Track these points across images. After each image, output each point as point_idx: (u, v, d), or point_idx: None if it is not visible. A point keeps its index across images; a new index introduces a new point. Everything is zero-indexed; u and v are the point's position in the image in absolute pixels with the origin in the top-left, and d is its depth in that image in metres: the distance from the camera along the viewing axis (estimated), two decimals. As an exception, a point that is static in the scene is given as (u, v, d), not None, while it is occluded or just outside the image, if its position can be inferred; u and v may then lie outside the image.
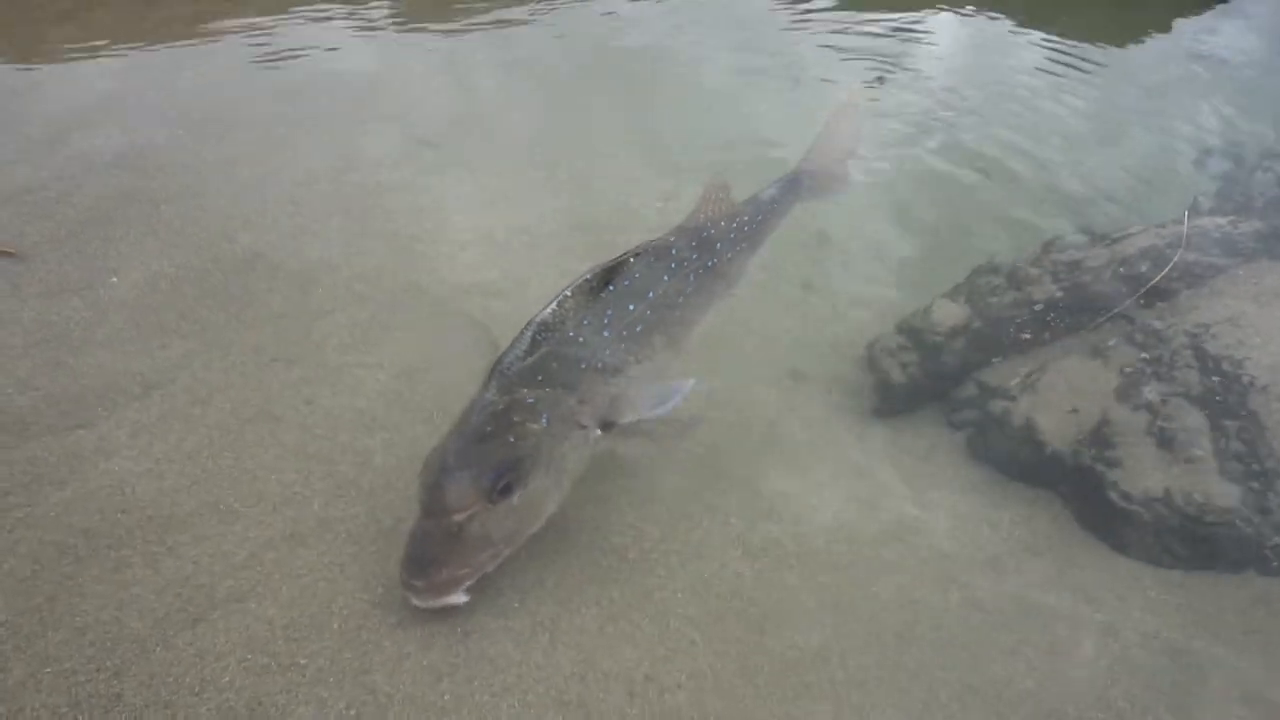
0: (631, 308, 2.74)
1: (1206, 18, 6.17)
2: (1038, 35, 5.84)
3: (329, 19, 5.84)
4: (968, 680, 2.44)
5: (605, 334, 2.66)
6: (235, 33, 5.54)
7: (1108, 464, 2.81)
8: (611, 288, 2.74)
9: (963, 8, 6.21)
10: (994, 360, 3.26)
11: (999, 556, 2.80)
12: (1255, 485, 2.62)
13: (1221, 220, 3.42)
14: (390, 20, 5.75)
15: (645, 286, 2.80)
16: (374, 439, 3.00)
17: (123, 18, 5.67)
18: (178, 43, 5.38)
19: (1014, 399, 3.12)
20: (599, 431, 2.56)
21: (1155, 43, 5.88)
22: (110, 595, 2.39)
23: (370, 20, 5.75)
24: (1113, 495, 2.75)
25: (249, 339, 3.33)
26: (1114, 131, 4.80)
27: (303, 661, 2.32)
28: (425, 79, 5.22)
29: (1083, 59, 5.56)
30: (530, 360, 2.51)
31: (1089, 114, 4.96)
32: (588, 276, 2.78)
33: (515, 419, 2.37)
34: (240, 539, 2.59)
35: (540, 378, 2.48)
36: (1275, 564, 2.63)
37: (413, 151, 4.47)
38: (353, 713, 2.21)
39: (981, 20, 6.09)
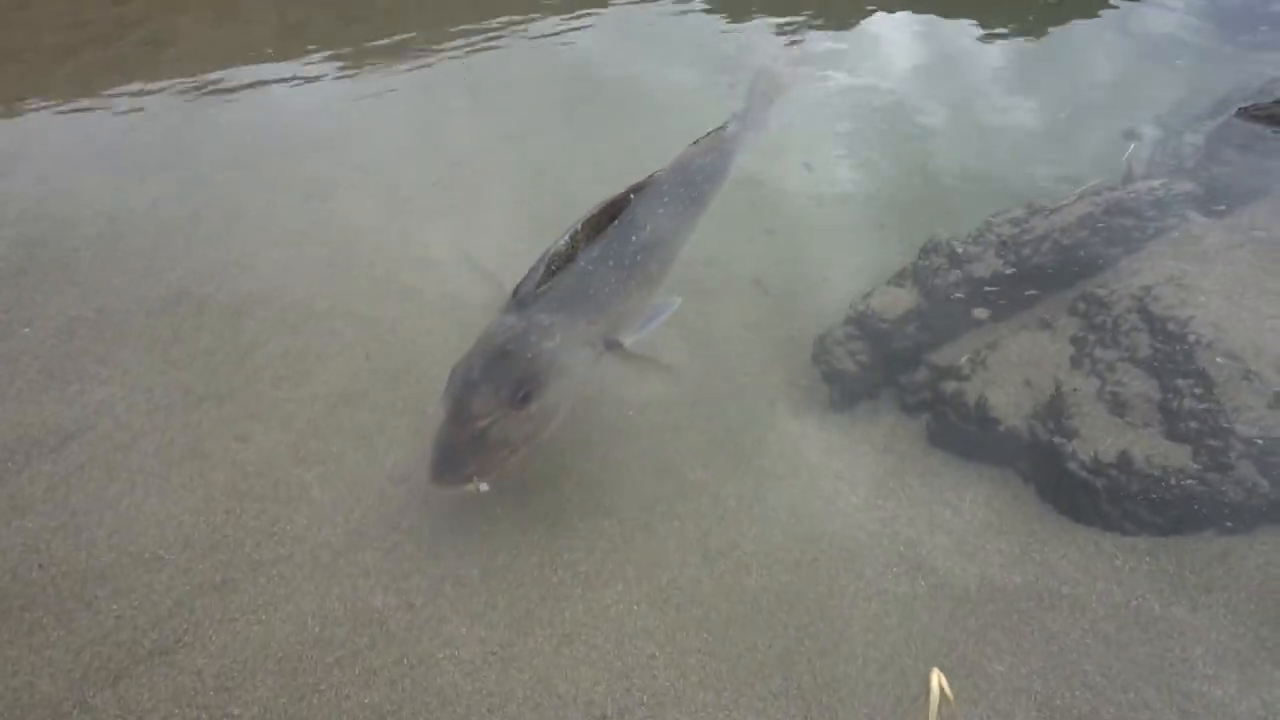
0: (633, 238, 2.96)
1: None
2: (969, 25, 5.86)
3: (255, 60, 5.72)
4: (940, 668, 2.35)
5: (610, 263, 2.88)
6: (156, 79, 5.38)
7: (1064, 435, 2.75)
8: (615, 222, 2.98)
9: (893, 12, 6.24)
10: (945, 341, 3.20)
11: (963, 539, 2.72)
12: (1212, 442, 2.57)
13: (1155, 183, 3.41)
14: (316, 60, 5.62)
15: (643, 219, 3.04)
16: (310, 472, 2.86)
17: (36, 70, 5.51)
18: (95, 93, 5.22)
19: (966, 378, 3.06)
20: (604, 349, 2.80)
21: (1086, 26, 5.92)
22: (22, 660, 2.24)
23: (298, 60, 5.62)
24: (1071, 466, 2.69)
25: (176, 379, 3.19)
26: (1049, 110, 4.80)
27: (236, 712, 2.18)
28: (360, 110, 5.07)
29: (1016, 45, 5.59)
30: (545, 287, 2.77)
31: (1024, 95, 4.97)
32: (594, 212, 3.00)
33: (533, 338, 2.62)
34: (166, 588, 2.45)
35: (554, 303, 2.73)
36: (1233, 521, 2.58)
37: (347, 179, 4.34)
38: (291, 762, 2.08)
39: (913, 15, 6.10)
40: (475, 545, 2.65)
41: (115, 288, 3.58)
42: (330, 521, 2.70)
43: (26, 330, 3.35)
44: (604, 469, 2.98)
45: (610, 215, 2.99)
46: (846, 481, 2.95)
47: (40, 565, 2.48)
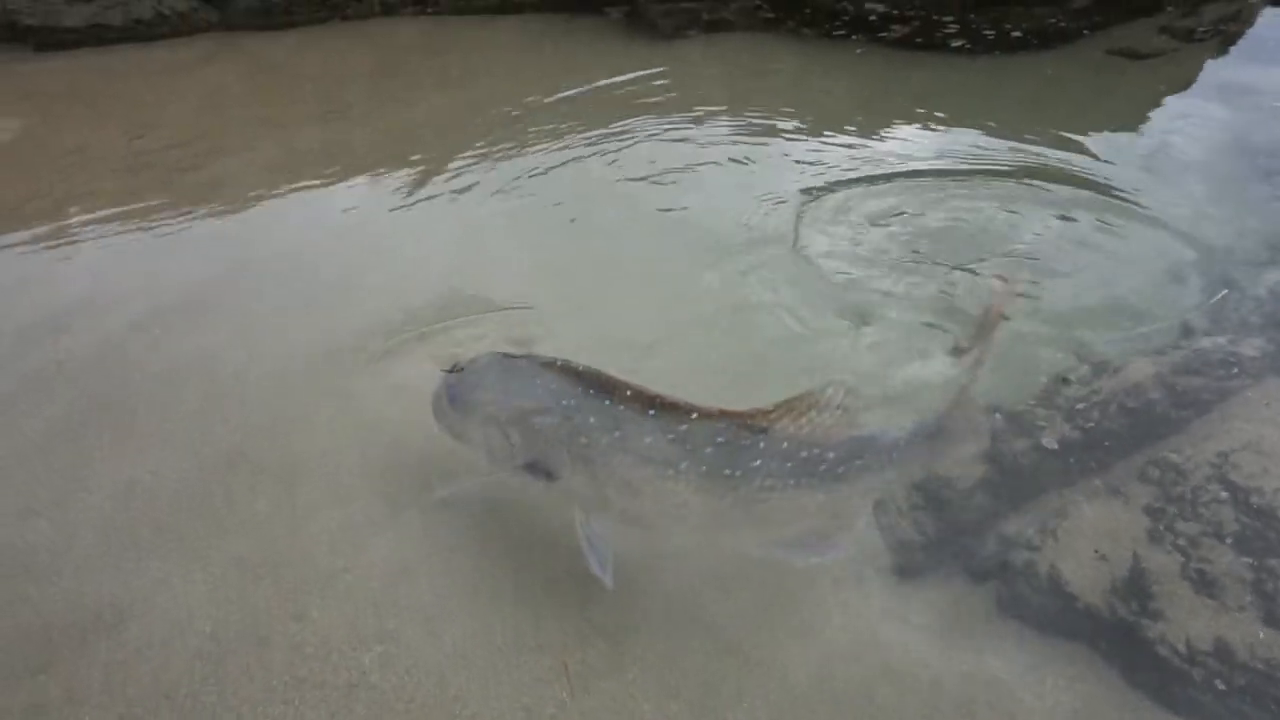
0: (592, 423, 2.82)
1: (1159, 122, 6.35)
2: (1000, 145, 5.95)
3: (304, 198, 5.91)
4: None
5: (556, 415, 2.81)
6: (212, 224, 5.57)
7: (1149, 616, 2.64)
8: (601, 392, 2.81)
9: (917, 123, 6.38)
10: (1013, 509, 3.12)
11: (1050, 729, 2.59)
12: (1317, 635, 2.46)
13: (1221, 339, 3.38)
14: (370, 203, 5.79)
15: (638, 435, 2.72)
16: (368, 654, 2.79)
17: (98, 214, 5.72)
18: (155, 237, 5.40)
19: (1037, 549, 2.97)
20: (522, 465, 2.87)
21: (1110, 151, 5.98)
22: None
23: (352, 203, 5.79)
24: (1161, 651, 2.57)
25: (231, 548, 3.15)
26: (1087, 249, 4.79)
27: None
28: (411, 245, 5.17)
29: (1042, 174, 5.64)
30: (497, 381, 3.01)
31: (1056, 233, 4.94)
32: (616, 376, 2.88)
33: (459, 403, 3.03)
34: (223, 794, 2.35)
35: (486, 394, 2.99)
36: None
37: (400, 324, 4.36)
38: None
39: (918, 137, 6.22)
40: (541, 739, 2.54)
41: (172, 448, 3.59)
42: (390, 710, 2.62)
43: (85, 495, 3.35)
44: (665, 647, 2.88)
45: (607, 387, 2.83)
46: (919, 659, 2.83)
47: (94, 769, 2.40)
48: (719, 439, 2.66)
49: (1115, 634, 2.74)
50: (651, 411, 2.72)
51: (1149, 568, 2.74)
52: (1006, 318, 3.14)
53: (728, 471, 2.63)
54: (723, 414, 2.71)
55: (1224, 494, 2.84)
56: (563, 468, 2.78)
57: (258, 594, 2.98)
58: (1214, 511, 2.81)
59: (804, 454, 2.63)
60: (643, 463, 2.67)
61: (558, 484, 2.82)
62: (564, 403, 2.80)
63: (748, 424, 2.68)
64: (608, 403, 2.76)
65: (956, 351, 3.32)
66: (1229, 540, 2.73)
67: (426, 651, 2.81)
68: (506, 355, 3.13)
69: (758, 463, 2.62)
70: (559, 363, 2.98)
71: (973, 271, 4.51)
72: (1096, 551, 2.90)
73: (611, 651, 2.85)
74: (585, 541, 2.74)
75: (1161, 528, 2.85)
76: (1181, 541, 2.78)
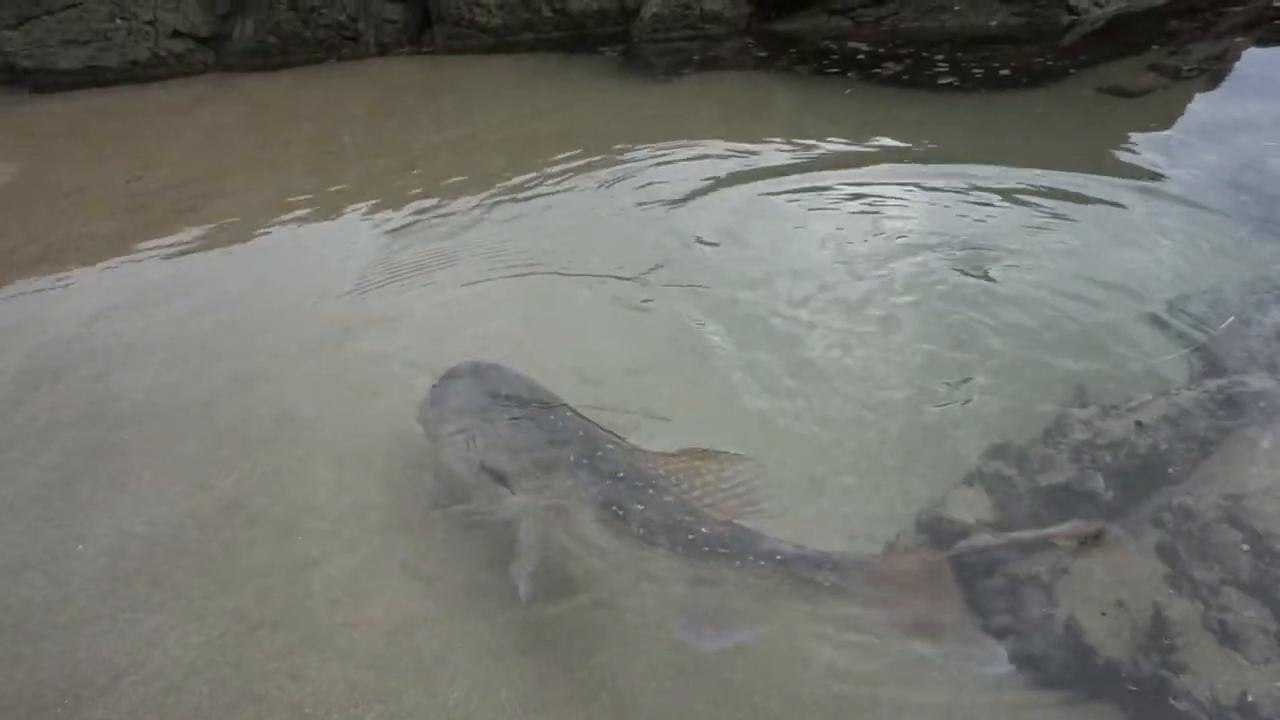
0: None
1: (1150, 157, 6.37)
2: (992, 180, 5.96)
3: (300, 239, 5.90)
4: None
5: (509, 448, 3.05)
6: (208, 261, 5.56)
7: (1172, 669, 2.59)
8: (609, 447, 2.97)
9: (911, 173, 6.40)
10: (1023, 553, 3.08)
11: (1076, 793, 2.52)
12: (1345, 688, 2.41)
13: (1225, 381, 3.36)
14: (365, 231, 5.79)
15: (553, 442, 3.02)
16: (369, 713, 2.71)
17: (95, 257, 5.70)
18: (151, 280, 5.37)
19: (1048, 590, 2.92)
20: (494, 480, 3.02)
21: (1102, 187, 5.99)
22: None
23: (345, 233, 5.78)
24: (1184, 706, 2.51)
25: (228, 603, 3.08)
26: (1084, 284, 4.77)
27: None
28: (409, 284, 5.14)
29: (1036, 208, 5.65)
30: (467, 389, 3.36)
31: (1051, 278, 4.89)
32: (564, 402, 3.25)
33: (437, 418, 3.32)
34: None
35: (462, 417, 3.24)
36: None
37: (400, 373, 4.31)
38: None
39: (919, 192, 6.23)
40: (549, 803, 2.46)
41: (168, 498, 3.53)
42: (392, 774, 2.54)
43: (80, 548, 3.28)
44: (671, 699, 2.80)
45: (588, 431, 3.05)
46: (934, 715, 2.76)
47: (87, 841, 2.31)
48: (619, 473, 2.77)
49: (1138, 690, 2.67)
50: (580, 432, 3.01)
51: (1169, 615, 2.69)
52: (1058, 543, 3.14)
53: (615, 509, 2.70)
54: (634, 450, 2.88)
55: (1240, 539, 2.79)
56: (511, 476, 2.96)
57: (255, 651, 2.90)
58: (1232, 558, 2.77)
59: (678, 517, 2.63)
60: (565, 480, 2.85)
61: (510, 491, 2.95)
62: (517, 413, 3.15)
63: (648, 467, 2.77)
64: (552, 418, 3.11)
65: (981, 525, 3.24)
66: (1248, 589, 2.69)
67: (428, 712, 2.73)
68: (479, 365, 3.52)
69: (640, 507, 2.67)
70: (522, 378, 3.37)
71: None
72: (1110, 602, 2.84)
73: (616, 706, 2.77)
74: (522, 547, 2.79)
75: (1178, 573, 2.81)
76: (1201, 589, 2.73)
